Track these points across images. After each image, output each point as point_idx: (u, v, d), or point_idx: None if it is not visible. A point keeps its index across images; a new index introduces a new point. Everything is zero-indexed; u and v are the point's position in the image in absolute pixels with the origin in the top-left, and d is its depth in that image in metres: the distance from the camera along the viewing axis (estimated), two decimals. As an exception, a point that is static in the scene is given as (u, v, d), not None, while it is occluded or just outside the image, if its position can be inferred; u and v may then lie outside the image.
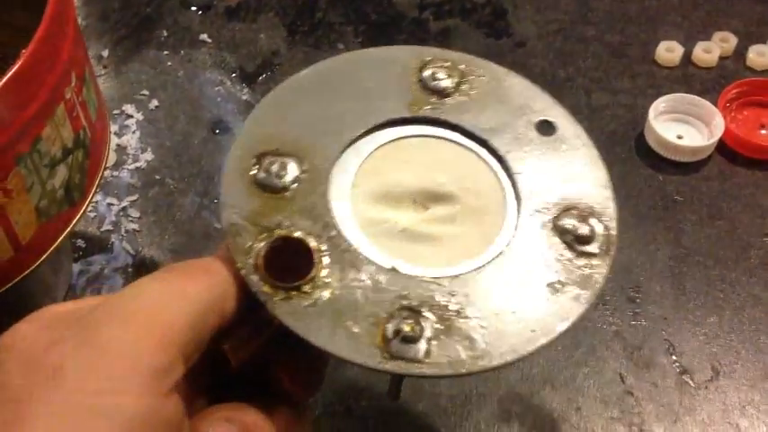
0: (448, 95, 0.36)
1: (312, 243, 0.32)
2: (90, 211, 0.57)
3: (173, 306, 0.28)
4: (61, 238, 0.44)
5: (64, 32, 0.41)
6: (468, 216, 0.34)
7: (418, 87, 0.36)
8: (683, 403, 0.48)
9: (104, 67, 0.67)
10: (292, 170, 0.33)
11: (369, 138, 0.36)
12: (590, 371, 0.49)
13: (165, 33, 0.71)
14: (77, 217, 0.45)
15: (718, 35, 0.70)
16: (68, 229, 0.44)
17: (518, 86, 0.37)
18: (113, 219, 0.57)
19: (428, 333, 0.31)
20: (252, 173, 0.33)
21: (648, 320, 0.51)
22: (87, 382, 0.25)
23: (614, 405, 0.47)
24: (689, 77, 0.67)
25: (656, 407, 0.47)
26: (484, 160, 0.36)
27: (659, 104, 0.62)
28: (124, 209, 0.58)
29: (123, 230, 0.57)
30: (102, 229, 0.57)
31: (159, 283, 0.29)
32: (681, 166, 0.60)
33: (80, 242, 0.56)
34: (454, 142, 0.36)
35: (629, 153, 0.61)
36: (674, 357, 0.50)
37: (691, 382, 0.48)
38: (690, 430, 0.46)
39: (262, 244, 0.31)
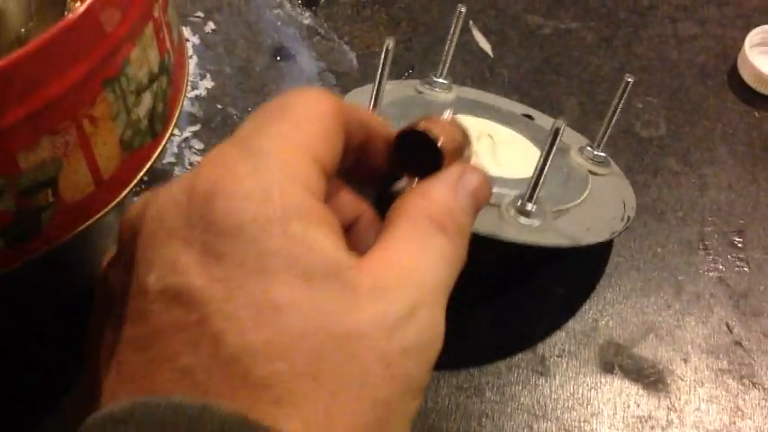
0: None
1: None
2: (150, 142, 0.53)
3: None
4: (141, 173, 0.40)
5: (154, -58, 0.36)
6: None
7: None
8: (796, 355, 0.45)
9: (154, -14, 0.63)
10: None
11: None
12: (695, 320, 0.46)
13: (217, -50, 0.66)
14: (158, 150, 0.41)
15: (808, -38, 0.65)
16: (149, 162, 0.40)
17: None
18: (176, 150, 0.53)
19: None
20: None
21: (753, 266, 0.49)
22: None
23: (723, 356, 0.45)
24: (778, 7, 0.63)
25: (768, 359, 0.45)
26: None
27: (754, 36, 0.58)
28: (186, 140, 0.54)
29: (187, 163, 0.53)
30: (164, 161, 0.53)
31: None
32: (776, 103, 0.57)
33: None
34: None
35: (721, 87, 0.58)
36: (783, 306, 0.47)
37: (802, 332, 0.46)
38: (804, 384, 0.44)
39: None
